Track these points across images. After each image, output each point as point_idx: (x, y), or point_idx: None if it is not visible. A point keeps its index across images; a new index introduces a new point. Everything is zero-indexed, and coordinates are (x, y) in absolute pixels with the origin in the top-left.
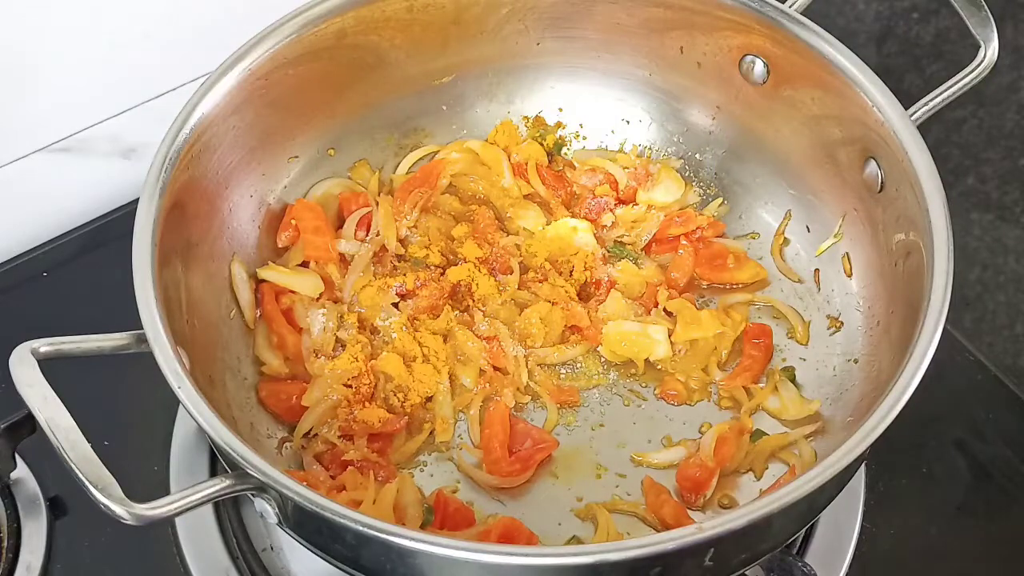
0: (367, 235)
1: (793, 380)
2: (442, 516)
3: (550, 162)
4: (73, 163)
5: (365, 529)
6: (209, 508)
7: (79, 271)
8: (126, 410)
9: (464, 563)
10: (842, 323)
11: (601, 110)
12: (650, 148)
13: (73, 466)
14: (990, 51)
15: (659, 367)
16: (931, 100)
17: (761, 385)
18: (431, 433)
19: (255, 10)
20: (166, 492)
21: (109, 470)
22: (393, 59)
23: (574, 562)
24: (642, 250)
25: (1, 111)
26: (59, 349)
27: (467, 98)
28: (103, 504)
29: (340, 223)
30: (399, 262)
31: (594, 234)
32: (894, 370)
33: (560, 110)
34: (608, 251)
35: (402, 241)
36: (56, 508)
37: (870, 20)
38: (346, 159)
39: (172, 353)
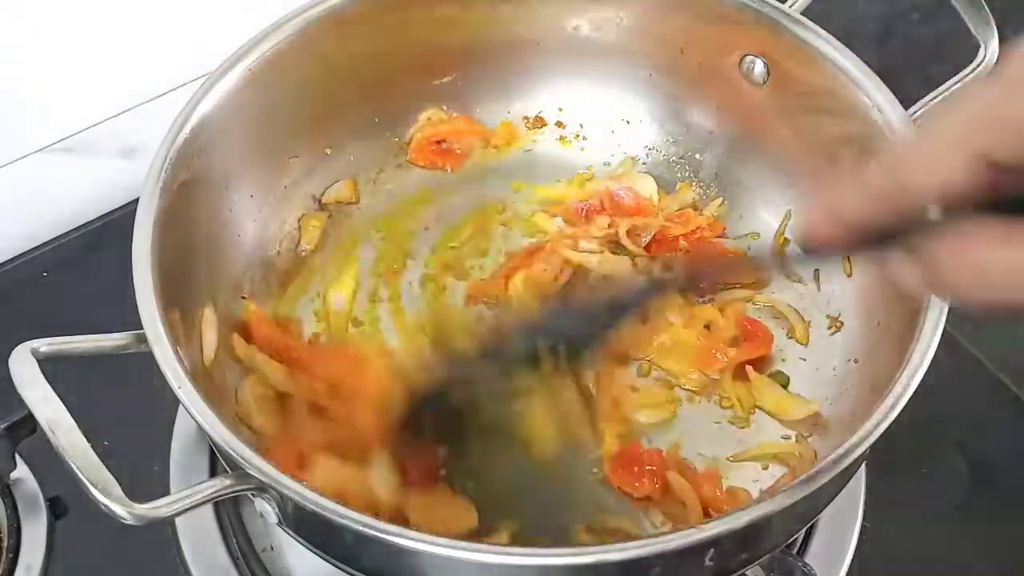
0: None
1: (785, 387)
2: None
3: None
4: (73, 163)
5: (365, 529)
6: (209, 508)
7: (79, 271)
8: (126, 410)
9: (464, 563)
10: (842, 323)
11: (601, 110)
12: (651, 148)
13: (73, 466)
14: (990, 51)
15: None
16: (931, 100)
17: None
18: None
19: (255, 10)
20: (166, 492)
21: (109, 470)
22: (393, 59)
23: (574, 562)
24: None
25: (1, 111)
26: (59, 349)
27: (467, 98)
28: (103, 504)
29: None
30: None
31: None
32: (894, 370)
33: (560, 110)
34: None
35: None
36: (56, 508)
37: (870, 20)
38: (344, 158)
39: (172, 353)
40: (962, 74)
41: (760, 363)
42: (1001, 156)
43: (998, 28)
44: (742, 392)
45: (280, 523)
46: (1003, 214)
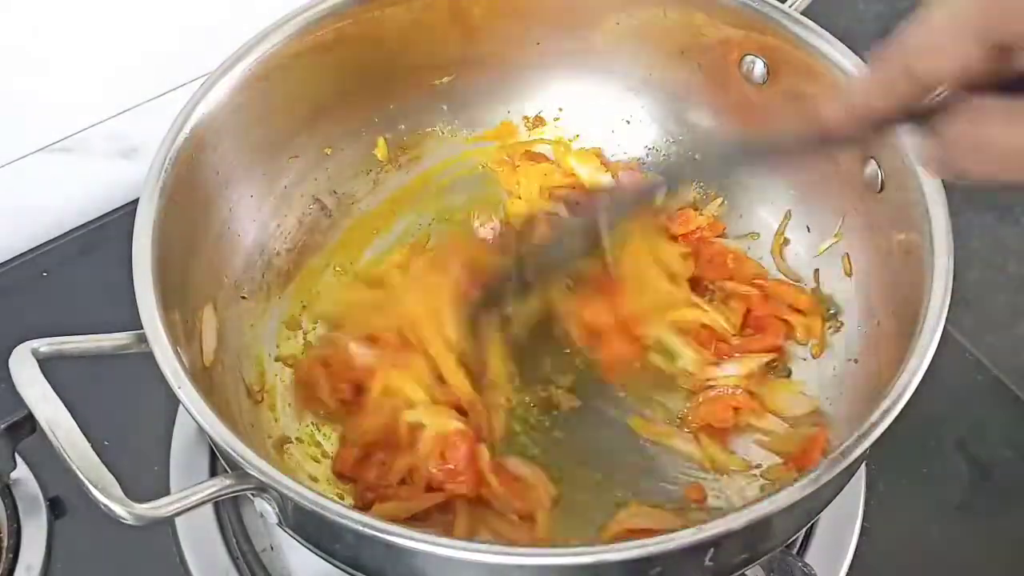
0: None
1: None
2: None
3: None
4: (73, 163)
5: (365, 529)
6: (209, 508)
7: (79, 271)
8: (126, 410)
9: (464, 563)
10: (842, 323)
11: (601, 110)
12: (651, 148)
13: (73, 466)
14: None
15: None
16: (931, 100)
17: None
18: None
19: (255, 10)
20: (166, 492)
21: (109, 470)
22: (393, 59)
23: (574, 562)
24: None
25: (1, 111)
26: (59, 349)
27: (467, 98)
28: (103, 504)
29: None
30: None
31: None
32: (894, 370)
33: (560, 110)
34: None
35: None
36: (56, 508)
37: (870, 20)
38: (345, 158)
39: (172, 353)
40: None
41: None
42: (1009, 39)
43: None
44: None
45: (280, 523)
46: (1006, 93)
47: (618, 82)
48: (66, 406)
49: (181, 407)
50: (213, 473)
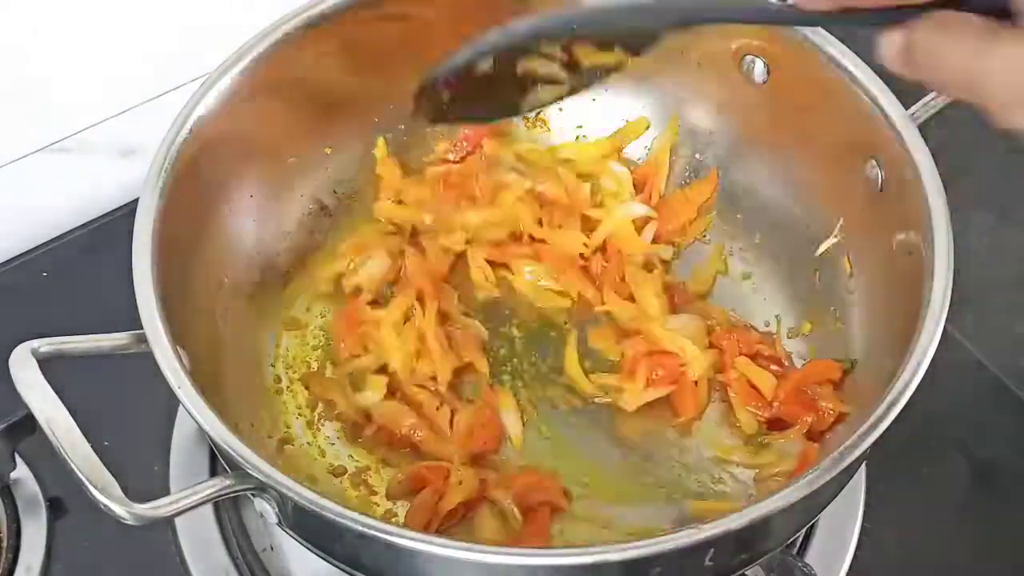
0: None
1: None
2: None
3: None
4: (72, 163)
5: (365, 529)
6: (209, 508)
7: (79, 271)
8: (126, 410)
9: (464, 563)
10: (842, 323)
11: (601, 110)
12: (651, 148)
13: (73, 466)
14: None
15: None
16: (931, 100)
17: None
18: None
19: (255, 10)
20: (166, 492)
21: (109, 470)
22: (393, 59)
23: (573, 562)
24: None
25: (1, 111)
26: (59, 349)
27: None
28: (103, 504)
29: None
30: None
31: None
32: (894, 370)
33: (560, 110)
34: None
35: None
36: (56, 508)
37: None
38: (345, 158)
39: (172, 353)
40: None
41: None
42: None
43: None
44: None
45: (280, 523)
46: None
47: (618, 82)
48: (66, 406)
49: (181, 407)
50: (213, 473)
